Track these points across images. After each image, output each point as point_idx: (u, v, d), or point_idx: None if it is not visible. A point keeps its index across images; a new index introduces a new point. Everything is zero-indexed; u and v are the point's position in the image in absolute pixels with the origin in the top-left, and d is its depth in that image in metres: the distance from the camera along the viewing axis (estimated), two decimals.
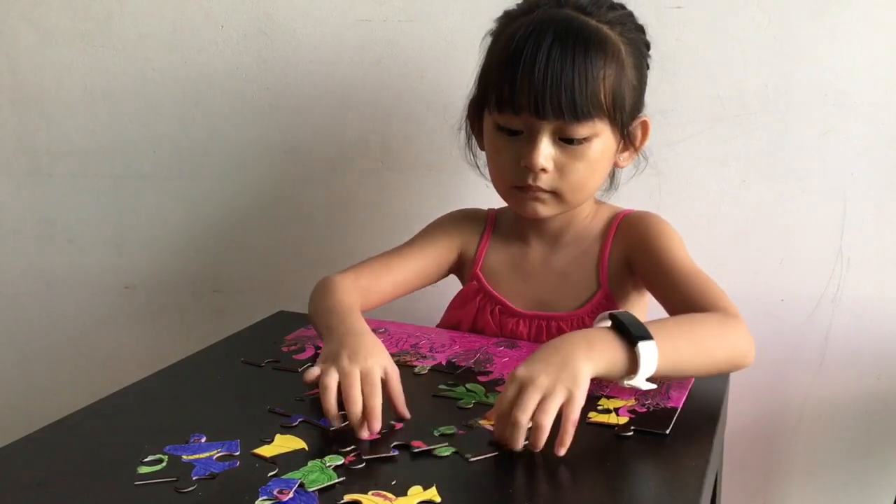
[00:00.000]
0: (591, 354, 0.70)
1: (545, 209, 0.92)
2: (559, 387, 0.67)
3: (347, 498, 0.61)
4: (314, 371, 0.75)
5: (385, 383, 0.74)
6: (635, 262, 0.95)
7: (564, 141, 0.87)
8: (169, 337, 1.47)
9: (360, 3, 1.24)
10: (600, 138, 0.87)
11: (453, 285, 1.08)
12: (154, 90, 1.37)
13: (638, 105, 0.92)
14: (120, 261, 1.47)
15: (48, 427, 0.73)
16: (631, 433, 0.71)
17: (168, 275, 1.46)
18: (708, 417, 0.76)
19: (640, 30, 0.93)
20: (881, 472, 1.22)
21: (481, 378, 0.84)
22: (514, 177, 0.90)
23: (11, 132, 1.46)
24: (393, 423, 0.74)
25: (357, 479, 0.64)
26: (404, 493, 0.61)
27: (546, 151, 0.87)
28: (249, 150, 1.36)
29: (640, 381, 0.73)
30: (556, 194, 0.90)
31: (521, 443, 0.68)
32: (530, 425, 0.67)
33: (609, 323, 0.75)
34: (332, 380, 0.72)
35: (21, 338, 1.56)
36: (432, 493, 0.61)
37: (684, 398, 0.78)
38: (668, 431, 0.71)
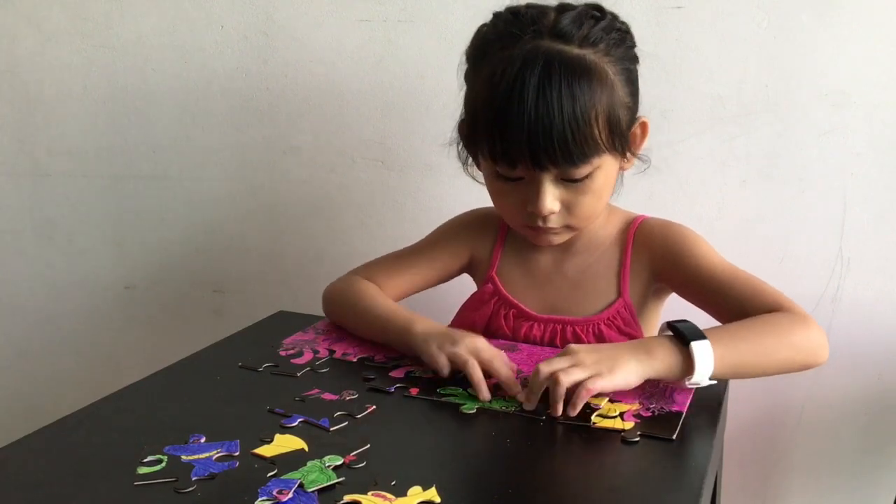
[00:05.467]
0: (645, 358, 0.77)
1: (559, 238, 0.92)
2: (594, 366, 0.75)
3: (347, 498, 0.61)
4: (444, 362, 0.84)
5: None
6: (666, 275, 0.94)
7: (567, 181, 0.85)
8: (169, 337, 1.47)
9: (360, 3, 1.24)
10: (602, 168, 0.85)
11: (460, 284, 1.08)
12: (154, 90, 1.37)
13: (634, 116, 0.89)
14: (120, 261, 1.47)
15: (48, 427, 0.73)
16: (637, 439, 0.71)
17: (168, 275, 1.46)
18: (708, 418, 0.76)
19: (624, 32, 0.88)
20: (881, 472, 1.23)
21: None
22: (523, 218, 0.90)
23: (11, 132, 1.46)
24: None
25: (357, 479, 0.64)
26: (404, 494, 0.61)
27: (551, 196, 0.85)
28: (249, 150, 1.36)
29: (702, 380, 0.77)
30: (567, 226, 0.90)
31: (532, 404, 0.76)
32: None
33: (669, 333, 0.80)
34: (472, 358, 0.82)
35: (21, 338, 1.56)
36: (432, 493, 0.61)
37: (689, 401, 0.78)
38: (674, 437, 0.71)
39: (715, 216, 1.17)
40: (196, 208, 1.41)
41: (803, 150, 1.13)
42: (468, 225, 1.05)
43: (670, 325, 0.80)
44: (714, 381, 0.78)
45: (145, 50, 1.36)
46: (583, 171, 0.84)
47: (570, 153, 0.81)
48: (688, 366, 0.76)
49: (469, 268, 1.06)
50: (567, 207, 0.87)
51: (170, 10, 1.33)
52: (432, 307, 1.10)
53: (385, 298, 0.99)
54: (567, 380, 0.74)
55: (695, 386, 0.78)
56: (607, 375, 0.74)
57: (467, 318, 1.01)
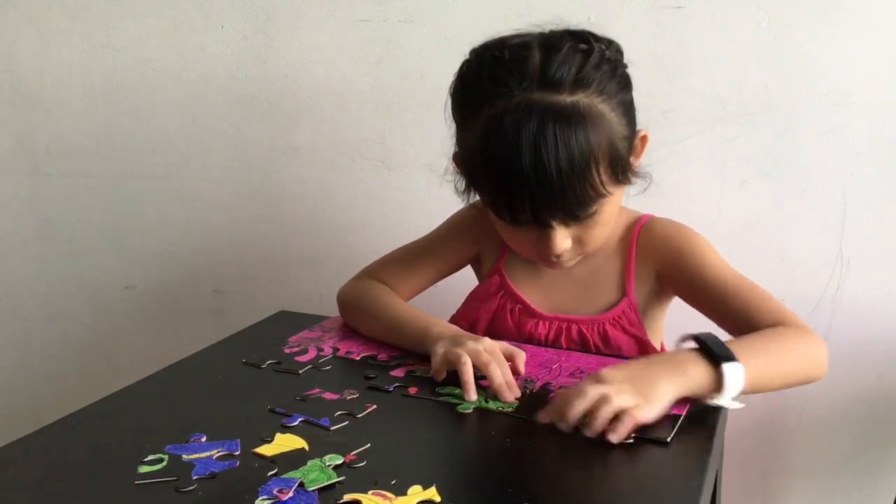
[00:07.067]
0: (678, 378, 0.74)
1: (570, 263, 0.92)
2: (634, 396, 0.71)
3: (347, 497, 0.61)
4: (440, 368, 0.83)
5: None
6: (669, 278, 0.94)
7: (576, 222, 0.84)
8: (169, 337, 1.47)
9: (360, 3, 1.24)
10: (608, 202, 0.84)
11: (462, 279, 1.07)
12: (154, 90, 1.37)
13: (632, 139, 0.86)
14: (120, 261, 1.47)
15: (48, 427, 0.73)
16: (632, 441, 0.71)
17: (168, 275, 1.46)
18: (708, 418, 0.76)
19: (614, 61, 0.83)
20: (881, 472, 1.23)
21: (483, 383, 0.83)
22: (534, 254, 0.90)
23: (11, 132, 1.46)
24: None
25: (357, 478, 0.64)
26: (404, 493, 0.61)
27: (561, 239, 0.84)
28: (249, 150, 1.36)
29: (726, 400, 0.75)
30: (579, 253, 0.90)
31: (572, 421, 0.72)
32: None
33: (692, 344, 0.78)
34: (468, 358, 0.81)
35: (21, 338, 1.56)
36: (432, 493, 0.61)
37: (687, 405, 0.77)
38: (669, 440, 0.71)
39: (715, 216, 1.17)
40: (196, 208, 1.41)
41: (803, 150, 1.13)
42: (476, 219, 1.03)
43: (696, 339, 0.78)
44: (740, 405, 0.76)
45: (145, 50, 1.36)
46: (590, 213, 0.83)
47: (572, 210, 0.81)
48: (717, 385, 0.75)
49: (475, 261, 1.05)
50: (578, 242, 0.87)
51: (170, 10, 1.33)
52: (433, 302, 1.10)
53: (399, 301, 0.99)
54: (618, 401, 0.70)
55: (716, 405, 0.76)
56: (647, 405, 0.71)
57: (473, 311, 1.01)
